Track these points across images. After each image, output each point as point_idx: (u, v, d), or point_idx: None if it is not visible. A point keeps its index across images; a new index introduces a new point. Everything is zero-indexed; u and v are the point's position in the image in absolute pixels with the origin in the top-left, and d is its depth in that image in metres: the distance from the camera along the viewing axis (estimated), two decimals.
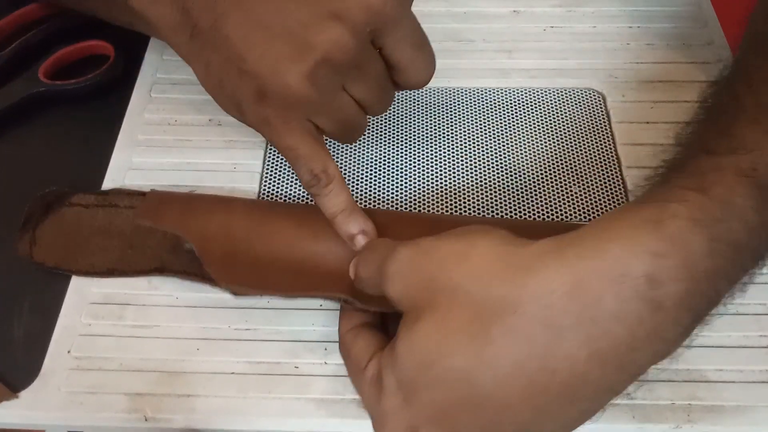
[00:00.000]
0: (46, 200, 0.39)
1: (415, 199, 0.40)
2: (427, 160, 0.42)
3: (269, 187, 0.41)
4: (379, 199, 0.40)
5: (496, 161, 0.42)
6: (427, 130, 0.44)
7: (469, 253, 0.26)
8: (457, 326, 0.25)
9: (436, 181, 0.41)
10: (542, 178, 0.41)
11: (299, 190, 0.41)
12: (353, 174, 0.42)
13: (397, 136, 0.43)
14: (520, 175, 0.41)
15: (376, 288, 0.29)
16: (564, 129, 0.43)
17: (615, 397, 0.26)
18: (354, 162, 0.42)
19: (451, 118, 0.44)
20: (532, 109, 0.45)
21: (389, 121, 0.44)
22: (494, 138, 0.43)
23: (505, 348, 0.24)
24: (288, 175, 0.41)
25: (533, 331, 0.24)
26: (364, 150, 0.43)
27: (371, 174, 0.42)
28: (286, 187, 0.41)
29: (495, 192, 0.40)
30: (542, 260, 0.25)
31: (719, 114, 0.28)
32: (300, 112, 0.31)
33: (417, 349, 0.26)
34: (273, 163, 0.42)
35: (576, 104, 0.45)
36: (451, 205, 0.40)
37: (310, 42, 0.29)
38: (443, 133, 0.44)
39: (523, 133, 0.43)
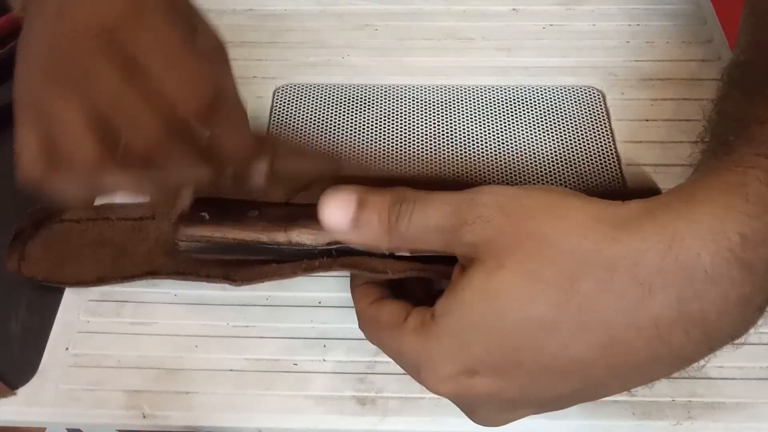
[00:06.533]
0: (37, 217, 0.38)
1: None
2: (426, 158, 0.42)
3: None
4: None
5: (496, 159, 0.42)
6: (425, 128, 0.44)
7: (559, 206, 0.26)
8: (544, 276, 0.24)
9: None
10: (542, 175, 0.41)
11: None
12: None
13: (396, 134, 0.43)
14: (519, 173, 0.41)
15: (432, 238, 0.27)
16: (563, 127, 0.43)
17: (686, 367, 0.26)
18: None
19: (450, 116, 0.44)
20: (531, 107, 0.44)
21: (388, 119, 0.44)
22: (494, 136, 0.43)
23: (592, 301, 0.24)
24: None
25: (623, 288, 0.23)
26: (363, 147, 0.43)
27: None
28: None
29: None
30: (636, 219, 0.24)
31: (760, 86, 0.28)
32: (26, 107, 0.27)
33: (495, 294, 0.25)
34: None
35: (575, 102, 0.45)
36: None
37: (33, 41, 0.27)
38: (442, 132, 0.43)
39: (522, 130, 0.43)
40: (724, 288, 0.23)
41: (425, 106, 0.45)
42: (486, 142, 0.43)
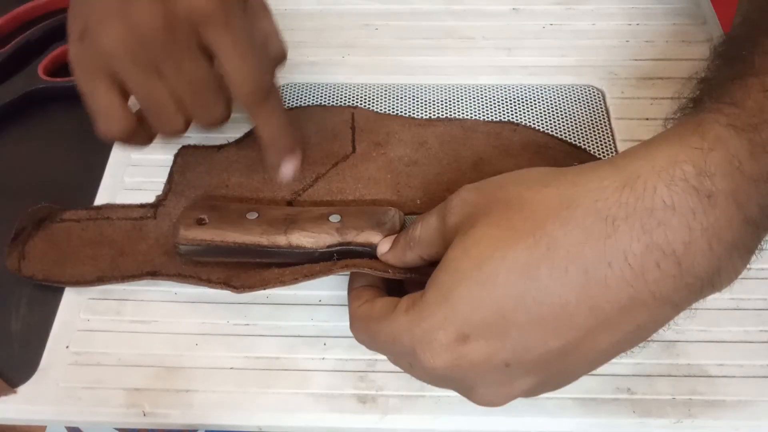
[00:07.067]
0: (38, 216, 0.38)
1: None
2: None
3: None
4: None
5: None
6: None
7: (523, 174, 0.28)
8: (512, 224, 0.26)
9: None
10: None
11: None
12: None
13: None
14: None
15: (435, 237, 0.29)
16: (563, 126, 0.43)
17: (675, 317, 0.26)
18: None
19: (451, 115, 0.44)
20: (531, 105, 0.44)
21: None
22: None
23: (560, 240, 0.24)
24: None
25: (587, 223, 0.24)
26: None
27: None
28: None
29: None
30: (593, 165, 0.26)
31: (738, 51, 0.29)
32: (107, 64, 0.32)
33: (471, 250, 0.26)
34: None
35: (575, 101, 0.45)
36: None
37: (130, 8, 0.31)
38: None
39: None
40: (684, 217, 0.24)
41: (425, 105, 0.45)
42: None
